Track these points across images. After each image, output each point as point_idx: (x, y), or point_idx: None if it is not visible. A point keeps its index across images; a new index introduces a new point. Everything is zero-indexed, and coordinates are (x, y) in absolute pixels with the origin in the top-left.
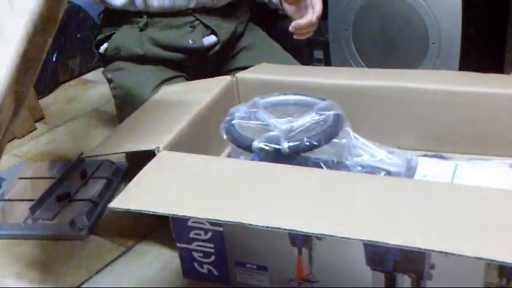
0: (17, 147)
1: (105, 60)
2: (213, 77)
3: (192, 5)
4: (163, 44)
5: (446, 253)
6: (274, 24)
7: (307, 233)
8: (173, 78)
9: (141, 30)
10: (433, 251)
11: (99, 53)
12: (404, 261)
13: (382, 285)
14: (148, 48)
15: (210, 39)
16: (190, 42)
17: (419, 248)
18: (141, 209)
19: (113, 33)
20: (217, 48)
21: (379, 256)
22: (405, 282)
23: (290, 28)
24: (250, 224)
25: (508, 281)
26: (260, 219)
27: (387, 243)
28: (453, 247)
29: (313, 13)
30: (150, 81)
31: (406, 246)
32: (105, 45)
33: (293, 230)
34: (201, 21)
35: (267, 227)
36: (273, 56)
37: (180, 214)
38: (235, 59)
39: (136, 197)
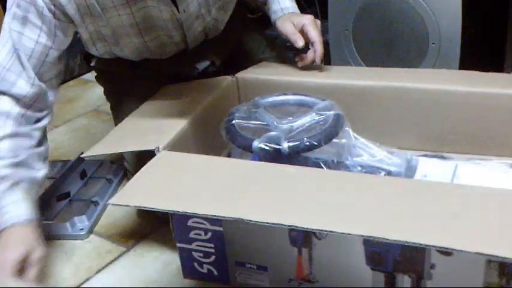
0: None
1: (97, 70)
2: None
3: (183, 48)
4: (155, 69)
5: (446, 248)
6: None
7: (307, 228)
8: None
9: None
10: (433, 246)
11: (89, 65)
12: (404, 261)
13: (382, 285)
14: (140, 71)
15: (204, 63)
16: (179, 70)
17: (420, 244)
18: (141, 205)
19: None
20: (212, 69)
21: (379, 256)
22: (405, 282)
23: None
24: (249, 220)
25: (508, 281)
26: (260, 215)
27: (387, 239)
28: (453, 243)
29: (314, 52)
30: (142, 88)
31: (406, 242)
32: (94, 60)
33: (293, 225)
34: (194, 52)
35: (267, 222)
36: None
37: (180, 210)
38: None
39: (135, 194)
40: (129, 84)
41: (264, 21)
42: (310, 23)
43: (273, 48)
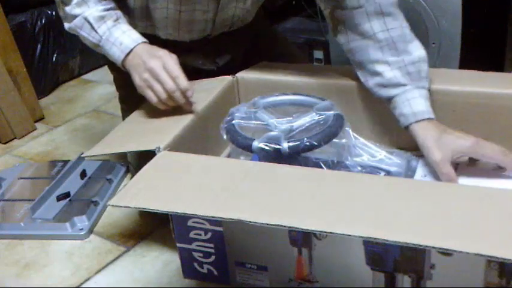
0: (17, 147)
1: (110, 61)
2: None
3: (207, 33)
4: None
5: (446, 250)
6: (274, 23)
7: (307, 230)
8: None
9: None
10: (433, 247)
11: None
12: (404, 261)
13: (382, 285)
14: None
15: (225, 58)
16: (200, 63)
17: (420, 245)
18: (141, 207)
19: None
20: (231, 64)
21: (379, 256)
22: (405, 282)
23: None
24: (249, 222)
25: (508, 281)
26: (260, 216)
27: (387, 240)
28: (453, 244)
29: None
30: None
31: (406, 243)
32: None
33: (293, 227)
34: (214, 44)
35: (267, 224)
36: (282, 54)
37: (179, 211)
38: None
39: (135, 195)
40: None
41: (273, 16)
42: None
43: (285, 45)
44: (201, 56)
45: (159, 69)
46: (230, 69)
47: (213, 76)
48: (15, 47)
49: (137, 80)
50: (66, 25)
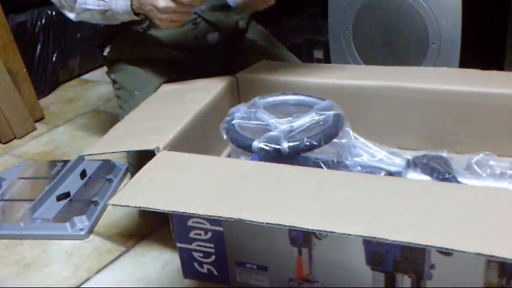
0: (17, 147)
1: (109, 62)
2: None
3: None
4: (167, 42)
5: (446, 249)
6: (274, 23)
7: (307, 229)
8: (177, 78)
9: (144, 30)
10: (433, 246)
11: (102, 55)
12: (404, 261)
13: (382, 285)
14: (151, 49)
15: (213, 36)
16: (193, 37)
17: (420, 244)
18: (141, 206)
19: (116, 35)
20: (220, 45)
21: (379, 256)
22: (405, 282)
23: None
24: (250, 221)
25: (508, 281)
26: (260, 216)
27: (387, 240)
28: (453, 244)
29: None
30: (153, 82)
31: (406, 242)
32: (108, 47)
33: (293, 226)
34: (203, 18)
35: (267, 223)
36: (275, 55)
37: (180, 211)
38: (239, 59)
39: (135, 194)
40: (140, 78)
41: (267, 21)
42: None
43: (275, 44)
44: (191, 31)
45: (169, 3)
46: (218, 50)
47: (202, 53)
48: (15, 47)
49: (157, 22)
50: (71, 15)
